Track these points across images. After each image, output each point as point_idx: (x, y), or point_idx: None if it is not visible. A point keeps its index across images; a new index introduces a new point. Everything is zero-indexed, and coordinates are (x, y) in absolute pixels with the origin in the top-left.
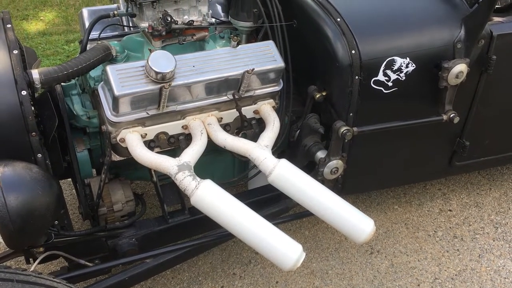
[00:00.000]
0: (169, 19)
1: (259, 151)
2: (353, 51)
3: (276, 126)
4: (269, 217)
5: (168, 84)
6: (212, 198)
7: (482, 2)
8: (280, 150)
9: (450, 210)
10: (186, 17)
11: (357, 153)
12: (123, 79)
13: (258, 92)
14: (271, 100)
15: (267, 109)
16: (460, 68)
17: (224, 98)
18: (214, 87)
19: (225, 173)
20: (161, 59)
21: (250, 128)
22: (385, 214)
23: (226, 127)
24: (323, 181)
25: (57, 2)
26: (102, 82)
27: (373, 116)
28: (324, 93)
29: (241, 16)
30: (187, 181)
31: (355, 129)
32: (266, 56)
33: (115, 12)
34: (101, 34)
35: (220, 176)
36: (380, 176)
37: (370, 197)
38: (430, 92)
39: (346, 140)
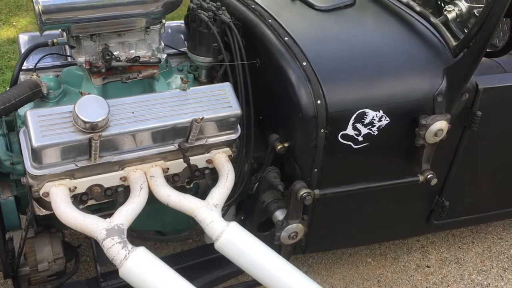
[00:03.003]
0: (109, 55)
1: (206, 212)
2: (318, 101)
3: (229, 181)
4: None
5: (98, 135)
6: (143, 273)
7: (468, 53)
8: (239, 199)
9: (428, 266)
10: (132, 51)
11: (322, 213)
12: (46, 126)
13: (212, 140)
14: (227, 149)
15: (222, 160)
16: (439, 125)
17: (171, 147)
18: (158, 136)
19: (178, 221)
20: (91, 106)
21: (203, 177)
22: (356, 268)
23: (174, 177)
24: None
25: (32, 6)
26: (24, 127)
27: (340, 173)
28: (286, 145)
29: (199, 50)
30: (115, 250)
31: (316, 191)
32: (220, 101)
33: (55, 40)
34: (41, 64)
35: (172, 225)
36: (349, 236)
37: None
38: (406, 149)
39: (306, 204)
